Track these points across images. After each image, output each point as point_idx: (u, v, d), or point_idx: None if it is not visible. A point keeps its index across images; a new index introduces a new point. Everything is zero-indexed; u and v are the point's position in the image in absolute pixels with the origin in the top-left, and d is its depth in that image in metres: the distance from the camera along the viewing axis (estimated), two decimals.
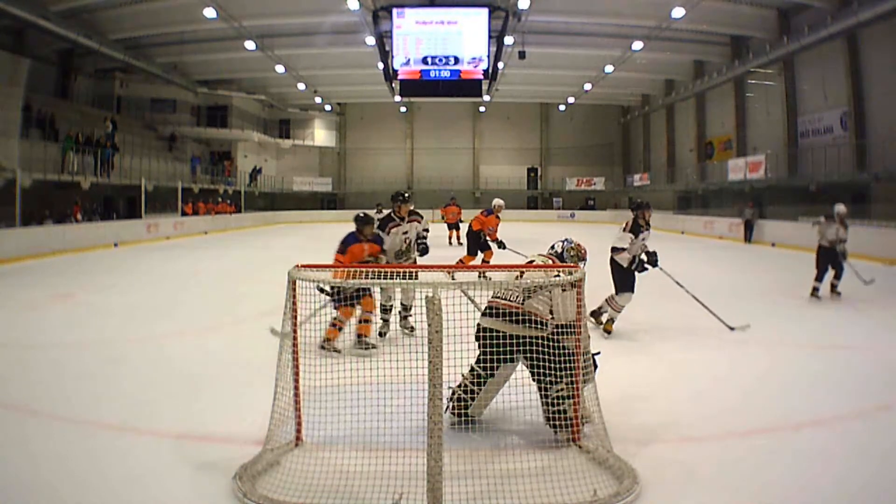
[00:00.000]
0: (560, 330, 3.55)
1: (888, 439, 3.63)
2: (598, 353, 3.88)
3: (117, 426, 3.80)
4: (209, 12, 19.08)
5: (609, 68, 25.87)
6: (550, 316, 3.58)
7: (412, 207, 6.44)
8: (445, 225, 18.55)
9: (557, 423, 3.45)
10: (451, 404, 3.67)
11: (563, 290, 3.59)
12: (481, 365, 3.62)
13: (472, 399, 3.67)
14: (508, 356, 3.53)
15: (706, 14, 19.81)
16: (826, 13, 17.59)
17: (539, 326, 3.52)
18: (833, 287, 8.56)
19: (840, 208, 8.59)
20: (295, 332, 3.43)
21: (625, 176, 37.14)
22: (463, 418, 3.64)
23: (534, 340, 3.45)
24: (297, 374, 3.44)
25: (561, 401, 3.45)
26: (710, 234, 22.13)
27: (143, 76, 25.73)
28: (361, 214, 5.84)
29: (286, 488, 2.91)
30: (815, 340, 5.94)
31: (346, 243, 5.64)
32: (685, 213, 27.23)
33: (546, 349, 3.39)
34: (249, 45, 22.18)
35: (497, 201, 10.90)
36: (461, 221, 17.59)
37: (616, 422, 3.59)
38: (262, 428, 3.45)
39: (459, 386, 3.70)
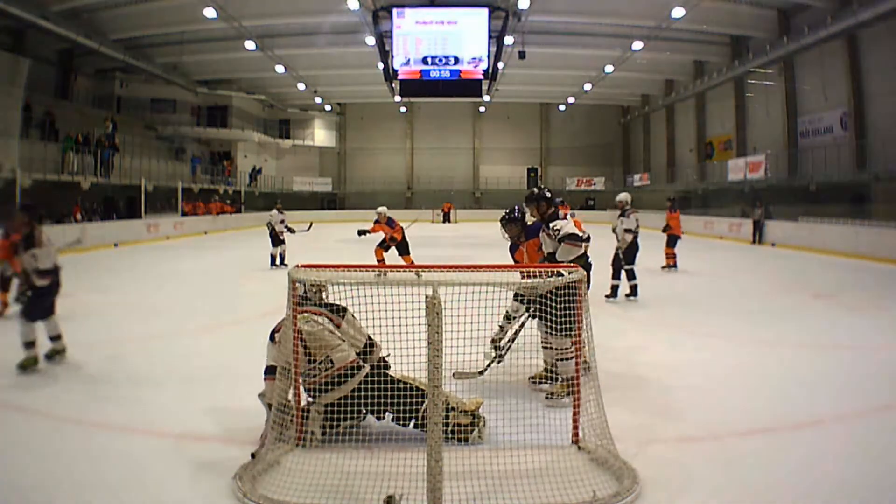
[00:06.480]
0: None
1: (888, 439, 3.63)
2: None
3: (117, 426, 3.79)
4: (209, 12, 19.11)
5: (609, 68, 25.89)
6: None
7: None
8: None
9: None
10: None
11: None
12: None
13: None
14: None
15: (706, 14, 19.83)
16: (826, 13, 17.60)
17: None
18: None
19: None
20: (295, 333, 3.43)
21: (625, 176, 37.14)
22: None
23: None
24: (297, 374, 3.44)
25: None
26: (710, 234, 22.12)
27: (143, 76, 25.74)
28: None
29: (286, 488, 2.91)
30: (816, 340, 5.93)
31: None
32: (685, 214, 27.11)
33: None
34: (249, 45, 22.20)
35: (379, 209, 10.51)
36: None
37: (616, 422, 3.58)
38: (262, 428, 3.46)
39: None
